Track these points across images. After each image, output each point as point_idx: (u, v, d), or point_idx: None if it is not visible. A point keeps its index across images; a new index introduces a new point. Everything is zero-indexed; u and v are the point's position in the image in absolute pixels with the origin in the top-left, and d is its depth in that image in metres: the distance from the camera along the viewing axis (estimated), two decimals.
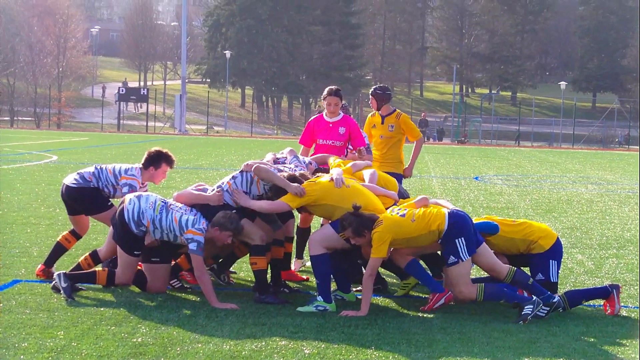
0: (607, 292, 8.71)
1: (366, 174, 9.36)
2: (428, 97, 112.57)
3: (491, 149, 58.48)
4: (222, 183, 9.02)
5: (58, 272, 8.73)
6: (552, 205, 19.09)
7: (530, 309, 8.19)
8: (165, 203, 8.79)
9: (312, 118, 10.96)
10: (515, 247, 8.97)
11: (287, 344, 7.22)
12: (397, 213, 8.43)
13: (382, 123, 11.32)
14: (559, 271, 9.06)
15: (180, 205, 8.83)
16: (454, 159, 39.57)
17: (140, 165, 9.62)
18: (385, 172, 10.59)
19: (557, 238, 9.05)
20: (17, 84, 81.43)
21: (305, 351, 7.04)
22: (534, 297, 8.36)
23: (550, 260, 8.89)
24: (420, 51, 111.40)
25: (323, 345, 7.21)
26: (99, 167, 9.66)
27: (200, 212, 8.78)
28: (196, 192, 9.03)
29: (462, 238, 8.33)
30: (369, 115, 11.66)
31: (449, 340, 7.52)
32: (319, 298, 8.50)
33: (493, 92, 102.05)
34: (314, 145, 10.90)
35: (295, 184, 8.67)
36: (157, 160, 9.58)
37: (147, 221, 8.69)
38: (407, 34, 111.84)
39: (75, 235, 9.92)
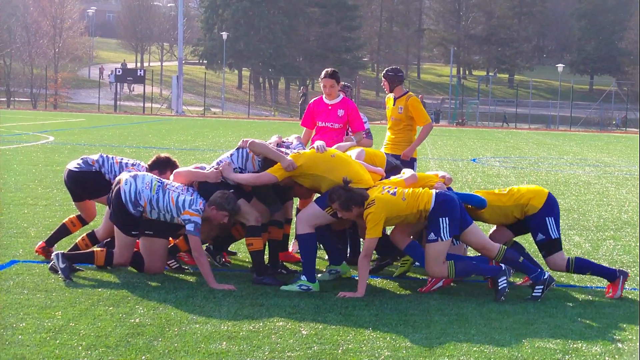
0: (614, 275, 8.70)
1: (353, 152, 9.33)
2: (425, 79, 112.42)
3: (488, 130, 58.45)
4: (220, 160, 9.02)
5: (56, 252, 8.72)
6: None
7: (505, 281, 8.26)
8: (161, 183, 8.79)
9: (312, 100, 10.89)
10: (511, 214, 8.91)
11: (285, 325, 7.23)
12: (388, 192, 8.45)
13: (394, 105, 11.24)
14: (559, 226, 8.89)
15: (176, 184, 8.82)
16: (451, 141, 39.56)
17: (147, 165, 9.62)
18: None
19: (549, 194, 8.89)
20: (14, 64, 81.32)
21: (303, 332, 7.05)
22: (503, 266, 8.38)
23: (547, 218, 8.78)
24: (417, 33, 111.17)
25: (320, 326, 7.22)
26: (104, 156, 9.68)
27: (198, 190, 8.80)
28: (194, 170, 9.05)
29: (447, 218, 8.34)
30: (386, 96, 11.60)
31: (446, 321, 7.53)
32: (303, 277, 8.52)
33: (490, 74, 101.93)
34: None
35: (288, 157, 8.69)
36: (164, 166, 9.55)
37: (145, 201, 8.68)
38: (404, 15, 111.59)
39: (82, 220, 9.93)
